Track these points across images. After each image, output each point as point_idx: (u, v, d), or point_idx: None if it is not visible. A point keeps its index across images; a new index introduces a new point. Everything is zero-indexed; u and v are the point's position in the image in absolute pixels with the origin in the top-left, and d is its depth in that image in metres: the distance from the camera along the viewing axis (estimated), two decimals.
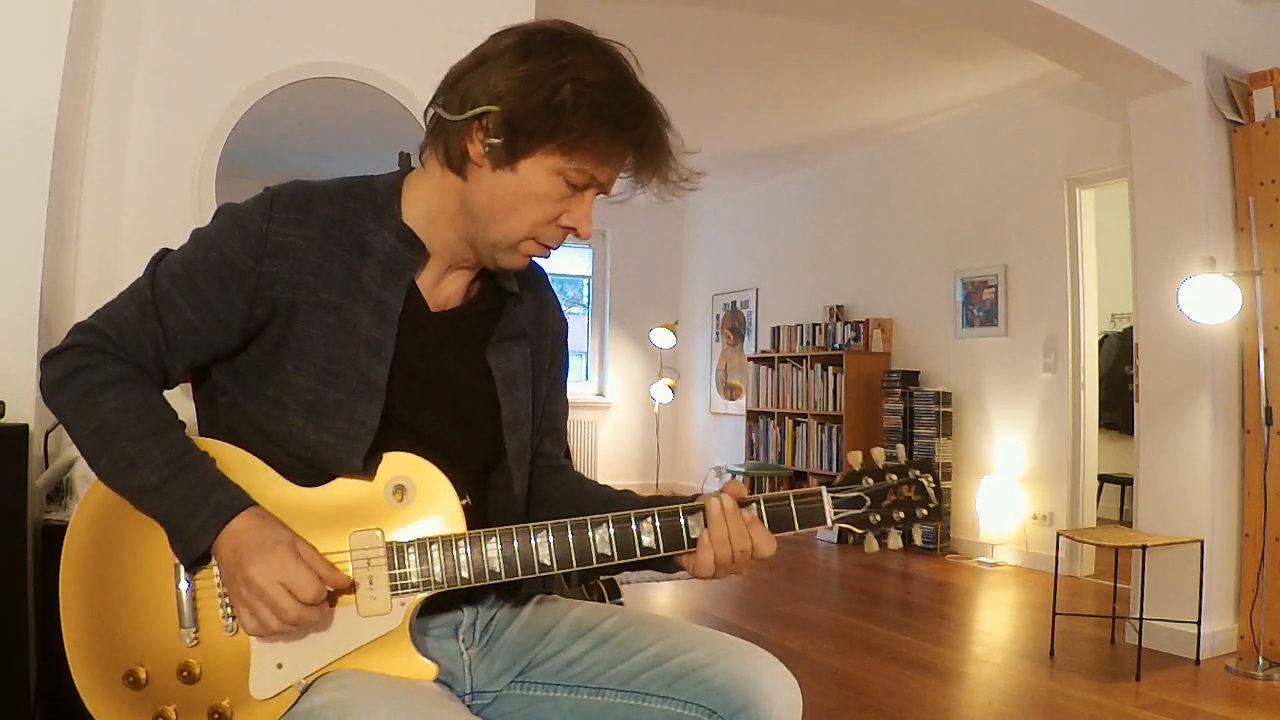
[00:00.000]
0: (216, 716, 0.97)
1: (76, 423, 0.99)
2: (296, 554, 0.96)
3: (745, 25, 4.48)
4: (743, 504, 1.08)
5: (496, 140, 1.00)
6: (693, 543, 1.06)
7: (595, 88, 0.99)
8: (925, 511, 1.10)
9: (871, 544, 1.10)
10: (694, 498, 1.10)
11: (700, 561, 1.06)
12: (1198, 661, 3.35)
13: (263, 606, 0.94)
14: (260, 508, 0.98)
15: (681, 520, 1.06)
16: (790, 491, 1.08)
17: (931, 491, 1.11)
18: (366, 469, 1.03)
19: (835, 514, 1.08)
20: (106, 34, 2.26)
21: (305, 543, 0.98)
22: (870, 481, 1.09)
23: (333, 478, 1.03)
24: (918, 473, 1.11)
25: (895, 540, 1.10)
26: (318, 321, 1.04)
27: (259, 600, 0.94)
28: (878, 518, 1.09)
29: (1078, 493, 4.98)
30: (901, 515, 1.10)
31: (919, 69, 4.98)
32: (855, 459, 1.11)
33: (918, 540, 1.12)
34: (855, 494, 1.09)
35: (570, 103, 0.98)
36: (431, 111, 1.07)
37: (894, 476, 1.10)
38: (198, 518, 0.95)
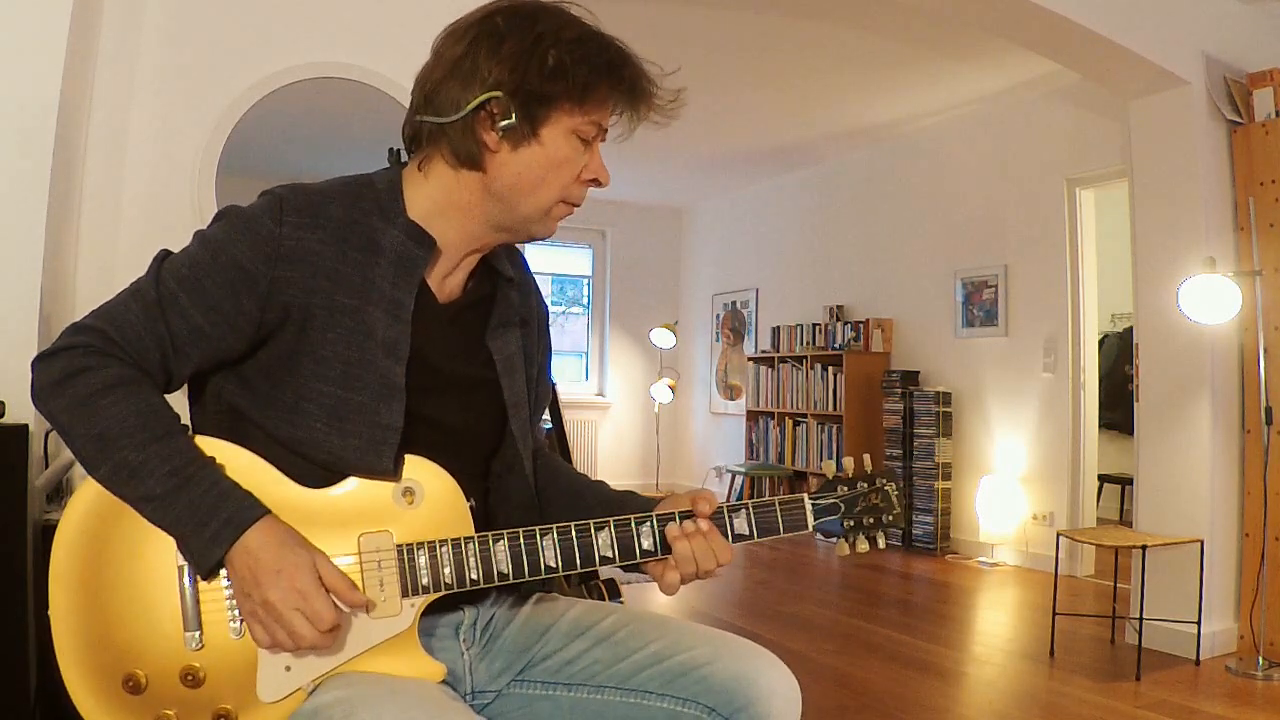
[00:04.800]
0: None
1: (74, 428, 0.94)
2: (317, 579, 0.94)
3: (745, 25, 4.48)
4: (732, 511, 1.12)
5: (510, 120, 1.02)
6: None
7: (577, 44, 1.03)
8: (890, 517, 1.20)
9: (843, 548, 1.19)
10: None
11: (666, 579, 1.10)
12: (1198, 661, 3.34)
13: (279, 629, 0.93)
14: (274, 517, 0.96)
15: (679, 525, 1.10)
16: (776, 499, 1.13)
17: (895, 500, 1.20)
18: (396, 470, 1.03)
19: (815, 520, 1.15)
20: (106, 34, 2.26)
21: (325, 559, 0.97)
22: (844, 490, 1.18)
23: (342, 478, 1.02)
24: (884, 481, 1.20)
25: (863, 544, 1.18)
26: (335, 325, 1.02)
27: (275, 623, 0.93)
28: (851, 523, 1.17)
29: (1078, 493, 4.98)
30: (870, 521, 1.19)
31: (919, 69, 4.98)
32: (829, 468, 1.20)
33: (880, 544, 1.20)
34: (832, 501, 1.17)
35: (567, 62, 1.02)
36: (417, 125, 1.07)
37: (864, 485, 1.19)
38: (207, 529, 0.93)
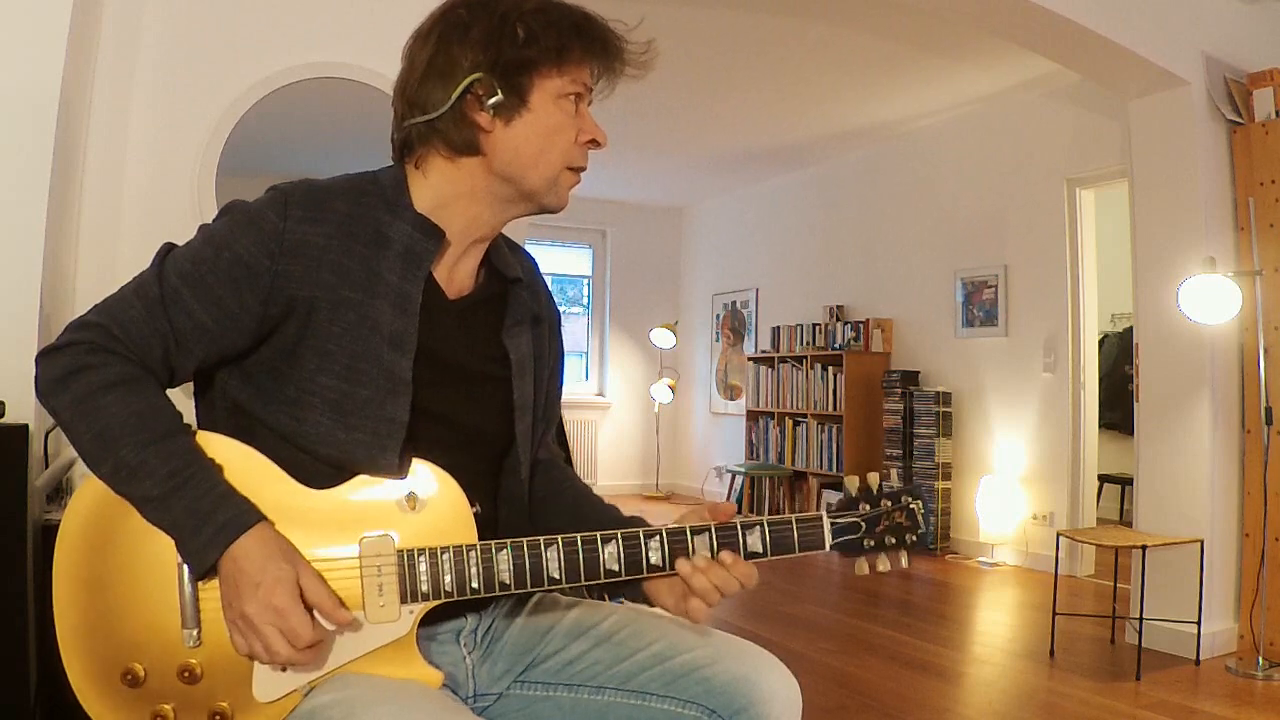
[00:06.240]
0: (217, 718, 0.96)
1: (76, 425, 0.95)
2: (296, 595, 0.93)
3: (745, 25, 4.48)
4: (745, 527, 1.08)
5: (497, 95, 1.04)
6: None
7: (540, 12, 1.06)
8: (914, 538, 1.14)
9: (862, 567, 1.12)
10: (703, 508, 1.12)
11: (692, 610, 1.06)
12: (1198, 661, 3.34)
13: (255, 642, 0.92)
14: (268, 524, 0.95)
15: (688, 540, 1.06)
16: (793, 516, 1.09)
17: (921, 519, 1.14)
18: (401, 465, 1.02)
19: (833, 540, 1.10)
20: (106, 34, 2.26)
21: (310, 572, 0.95)
22: (866, 507, 1.12)
23: (345, 479, 1.01)
24: (909, 499, 1.14)
25: (884, 564, 1.12)
26: (340, 319, 1.02)
27: (252, 636, 0.92)
28: (871, 543, 1.12)
29: (1078, 493, 4.98)
30: (893, 540, 1.13)
31: (919, 69, 4.98)
32: (852, 484, 1.13)
33: (904, 563, 1.13)
34: (852, 520, 1.11)
35: (537, 30, 1.04)
36: (407, 130, 1.08)
37: (888, 503, 1.13)
38: (202, 533, 0.93)
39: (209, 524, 0.93)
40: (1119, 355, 6.59)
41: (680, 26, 4.46)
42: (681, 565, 1.05)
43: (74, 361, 0.96)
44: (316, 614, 0.94)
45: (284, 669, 0.97)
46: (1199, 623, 3.36)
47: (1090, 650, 3.55)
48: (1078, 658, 3.45)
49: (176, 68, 2.34)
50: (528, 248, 1.32)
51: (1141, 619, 3.45)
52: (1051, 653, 3.48)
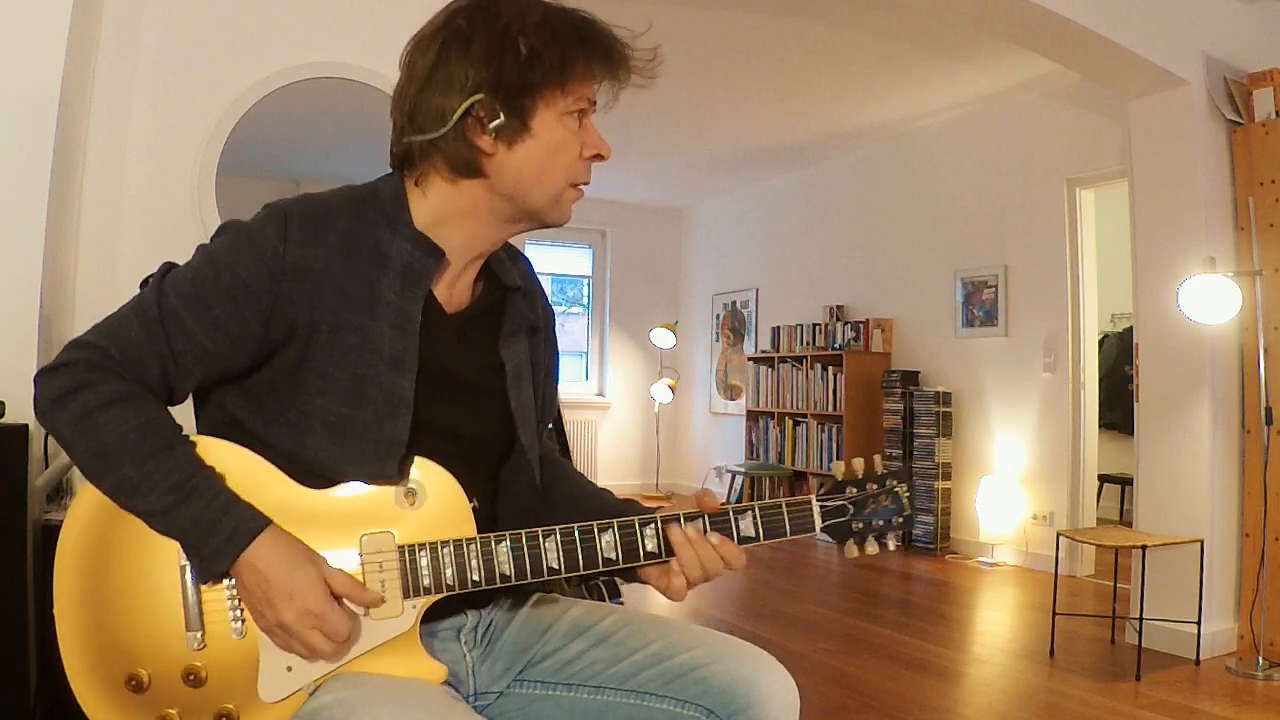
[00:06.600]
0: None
1: (75, 444, 0.95)
2: (328, 594, 0.95)
3: (745, 25, 4.48)
4: (738, 513, 1.10)
5: (499, 119, 1.02)
6: None
7: (544, 26, 1.02)
8: (901, 519, 1.18)
9: (851, 550, 1.16)
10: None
11: (673, 587, 1.08)
12: (1198, 661, 3.35)
13: (297, 645, 0.95)
14: (277, 529, 0.96)
15: (682, 525, 1.08)
16: (783, 500, 1.12)
17: (906, 501, 1.18)
18: (400, 473, 1.02)
19: (823, 523, 1.14)
20: (107, 34, 2.26)
21: (330, 568, 0.97)
22: (854, 491, 1.16)
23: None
24: (894, 483, 1.17)
25: (872, 546, 1.16)
26: (340, 342, 1.01)
27: (293, 640, 0.95)
28: (860, 525, 1.15)
29: (1078, 493, 4.98)
30: (880, 523, 1.17)
31: (919, 69, 4.98)
32: (839, 469, 1.17)
33: (891, 546, 1.18)
34: (840, 503, 1.15)
35: (539, 46, 1.01)
36: (406, 145, 1.06)
37: (874, 486, 1.17)
38: (210, 543, 0.94)
39: (216, 534, 0.94)
40: (1119, 355, 6.59)
41: (680, 27, 4.47)
42: (674, 533, 1.07)
43: (71, 380, 0.95)
44: (346, 602, 0.97)
45: (289, 669, 0.97)
46: (1199, 623, 3.36)
47: (1090, 650, 3.55)
48: (1078, 658, 3.45)
49: (176, 68, 2.34)
50: (527, 249, 1.33)
51: (1141, 619, 3.45)
52: (1051, 653, 3.48)
